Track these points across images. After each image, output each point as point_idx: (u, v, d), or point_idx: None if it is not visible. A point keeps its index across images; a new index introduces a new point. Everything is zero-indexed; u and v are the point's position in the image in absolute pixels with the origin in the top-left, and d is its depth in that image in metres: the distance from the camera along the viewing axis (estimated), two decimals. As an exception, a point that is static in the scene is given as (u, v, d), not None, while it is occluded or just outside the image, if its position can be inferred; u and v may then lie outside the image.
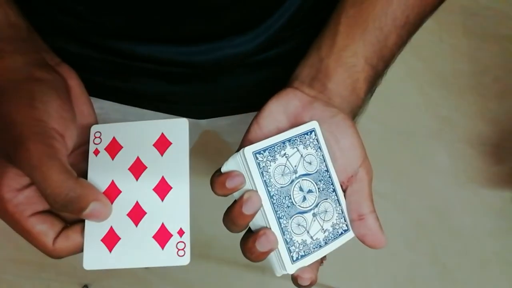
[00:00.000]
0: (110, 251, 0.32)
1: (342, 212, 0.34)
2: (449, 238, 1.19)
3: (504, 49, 1.41)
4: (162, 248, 0.32)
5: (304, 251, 0.32)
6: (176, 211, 0.32)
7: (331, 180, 0.34)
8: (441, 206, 1.22)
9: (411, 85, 1.36)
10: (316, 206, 0.33)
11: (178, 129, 0.34)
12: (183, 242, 0.32)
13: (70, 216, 0.33)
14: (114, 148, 0.34)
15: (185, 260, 0.32)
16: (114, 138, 0.34)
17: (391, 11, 0.36)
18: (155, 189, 0.33)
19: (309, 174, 0.33)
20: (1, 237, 1.12)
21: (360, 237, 0.34)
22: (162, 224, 0.32)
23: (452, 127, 1.32)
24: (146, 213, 0.32)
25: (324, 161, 0.34)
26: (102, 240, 0.32)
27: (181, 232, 0.32)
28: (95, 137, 0.35)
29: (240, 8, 0.37)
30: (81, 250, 0.33)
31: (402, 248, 1.17)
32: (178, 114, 0.47)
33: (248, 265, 1.11)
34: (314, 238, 0.33)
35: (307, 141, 0.34)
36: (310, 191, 0.33)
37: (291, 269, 0.32)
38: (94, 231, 0.32)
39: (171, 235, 0.32)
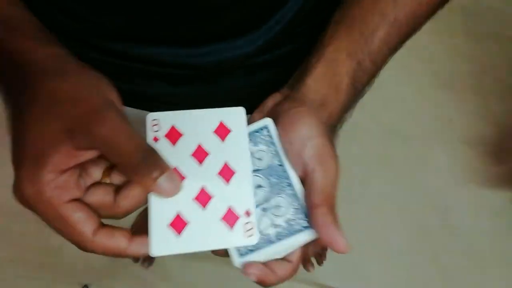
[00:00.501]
0: (179, 235, 0.32)
1: (301, 208, 0.33)
2: (449, 238, 1.19)
3: (504, 49, 1.41)
4: (232, 230, 0.32)
5: (252, 246, 0.33)
6: (241, 193, 0.33)
7: (286, 175, 0.34)
8: (441, 206, 1.22)
9: (412, 87, 1.36)
10: (266, 201, 0.34)
11: (236, 117, 0.35)
12: (250, 222, 0.32)
13: (105, 212, 0.32)
14: (174, 136, 0.34)
15: (254, 240, 0.32)
16: (173, 126, 0.35)
17: (379, 8, 0.36)
18: (219, 174, 0.33)
19: (259, 170, 0.34)
20: (0, 237, 1.12)
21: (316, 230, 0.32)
22: (229, 206, 0.33)
23: (452, 127, 1.32)
24: (212, 197, 0.33)
25: (278, 155, 0.34)
26: (170, 225, 0.32)
27: (248, 213, 0.33)
28: (153, 125, 0.35)
29: (240, 8, 0.37)
30: (118, 256, 0.32)
31: (402, 248, 1.17)
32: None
33: (248, 265, 1.11)
34: (264, 233, 0.33)
35: (258, 138, 0.34)
36: (259, 186, 0.34)
37: (238, 263, 0.33)
38: (160, 216, 0.32)
39: (239, 217, 0.32)
